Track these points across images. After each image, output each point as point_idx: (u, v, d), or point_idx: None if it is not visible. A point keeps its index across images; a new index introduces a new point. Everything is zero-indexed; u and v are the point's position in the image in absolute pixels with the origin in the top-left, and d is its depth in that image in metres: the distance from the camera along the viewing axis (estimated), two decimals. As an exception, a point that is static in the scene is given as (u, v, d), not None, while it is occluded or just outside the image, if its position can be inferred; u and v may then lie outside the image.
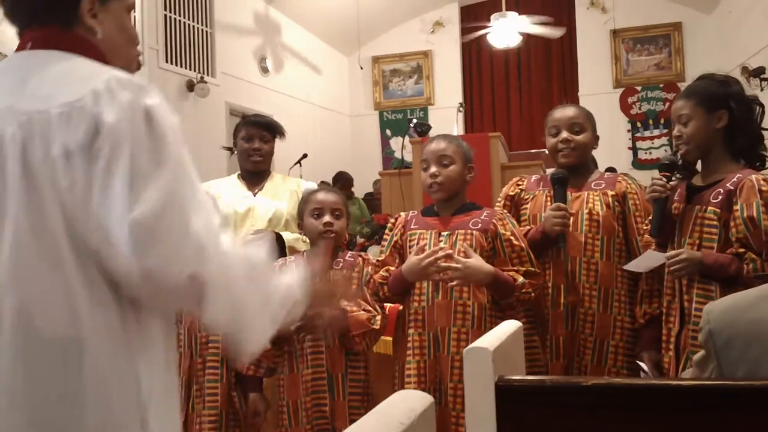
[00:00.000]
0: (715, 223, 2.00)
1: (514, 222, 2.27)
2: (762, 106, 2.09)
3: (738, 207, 1.95)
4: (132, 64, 1.27)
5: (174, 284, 1.01)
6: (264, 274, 1.14)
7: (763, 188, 1.93)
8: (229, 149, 3.04)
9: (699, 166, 2.17)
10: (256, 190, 2.84)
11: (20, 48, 1.17)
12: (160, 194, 0.99)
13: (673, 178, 2.15)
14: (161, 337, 1.11)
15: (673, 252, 2.01)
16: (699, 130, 2.04)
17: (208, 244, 1.03)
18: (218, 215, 1.09)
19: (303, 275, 1.22)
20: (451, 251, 2.14)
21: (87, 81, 1.05)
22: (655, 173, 2.17)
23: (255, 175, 2.86)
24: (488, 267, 2.13)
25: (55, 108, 1.02)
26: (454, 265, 2.10)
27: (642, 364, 2.13)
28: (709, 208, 2.01)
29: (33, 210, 1.00)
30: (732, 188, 1.98)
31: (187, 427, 2.31)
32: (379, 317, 2.22)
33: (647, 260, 2.14)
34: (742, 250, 1.93)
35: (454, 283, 2.13)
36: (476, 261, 2.12)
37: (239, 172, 2.94)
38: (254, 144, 2.82)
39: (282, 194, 2.85)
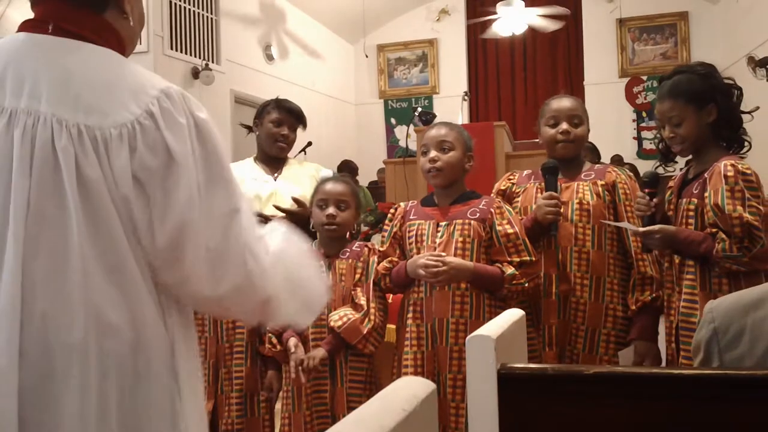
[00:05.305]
0: (692, 213, 2.02)
1: (512, 210, 2.27)
2: (740, 89, 2.09)
3: (707, 194, 1.96)
4: (132, 50, 1.23)
5: (249, 308, 1.12)
6: (308, 269, 1.22)
7: (729, 173, 1.92)
8: (248, 127, 2.98)
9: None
10: (276, 174, 2.79)
11: (34, 26, 1.06)
12: (219, 220, 1.05)
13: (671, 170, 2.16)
14: (188, 319, 1.16)
15: (648, 228, 2.02)
16: (693, 129, 2.04)
17: (262, 260, 1.08)
18: (255, 218, 1.14)
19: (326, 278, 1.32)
20: (443, 254, 2.14)
21: (136, 95, 1.04)
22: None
23: (275, 160, 2.82)
24: (468, 264, 2.14)
25: (110, 127, 1.01)
26: (441, 267, 2.11)
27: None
28: (692, 200, 2.03)
29: (93, 222, 1.01)
30: (707, 176, 1.99)
31: (217, 409, 2.41)
32: (372, 310, 2.24)
33: (623, 225, 2.19)
34: (714, 230, 1.94)
35: (440, 278, 2.13)
36: (457, 260, 2.14)
37: (255, 155, 2.88)
38: (283, 130, 2.77)
39: (302, 179, 2.80)
